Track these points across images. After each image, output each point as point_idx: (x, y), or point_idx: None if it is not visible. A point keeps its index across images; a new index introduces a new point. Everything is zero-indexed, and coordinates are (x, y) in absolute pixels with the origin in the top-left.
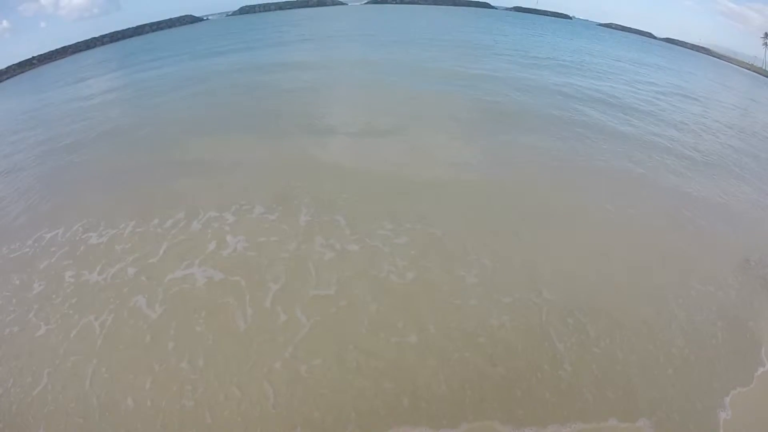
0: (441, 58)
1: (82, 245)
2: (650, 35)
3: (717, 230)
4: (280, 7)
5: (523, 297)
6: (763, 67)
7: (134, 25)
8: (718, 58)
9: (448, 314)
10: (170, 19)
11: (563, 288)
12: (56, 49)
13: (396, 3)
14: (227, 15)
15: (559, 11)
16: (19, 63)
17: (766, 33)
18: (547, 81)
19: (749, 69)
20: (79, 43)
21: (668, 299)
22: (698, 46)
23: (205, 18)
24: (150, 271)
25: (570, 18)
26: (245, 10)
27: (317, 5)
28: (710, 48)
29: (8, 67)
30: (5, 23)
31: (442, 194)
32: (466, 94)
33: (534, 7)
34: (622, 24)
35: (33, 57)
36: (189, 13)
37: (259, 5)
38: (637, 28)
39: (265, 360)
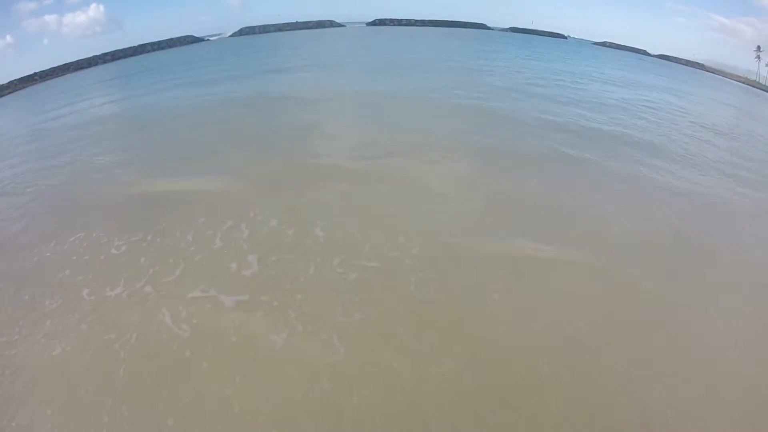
0: (442, 88)
1: (102, 255)
2: (645, 52)
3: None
4: (279, 28)
5: (557, 330)
6: (757, 80)
7: (136, 44)
8: (713, 72)
9: (483, 352)
10: (171, 39)
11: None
12: (58, 66)
13: (394, 25)
14: (227, 36)
15: (555, 31)
16: (21, 78)
17: (758, 46)
18: (547, 114)
19: (744, 82)
20: (81, 60)
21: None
22: (692, 61)
23: (205, 39)
24: (170, 289)
25: (565, 37)
26: (245, 32)
27: (316, 27)
28: (704, 63)
29: (10, 83)
30: (8, 38)
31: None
32: (468, 132)
33: (530, 28)
34: (617, 42)
35: (35, 73)
36: (190, 34)
37: (259, 26)
38: (632, 45)
39: (302, 400)
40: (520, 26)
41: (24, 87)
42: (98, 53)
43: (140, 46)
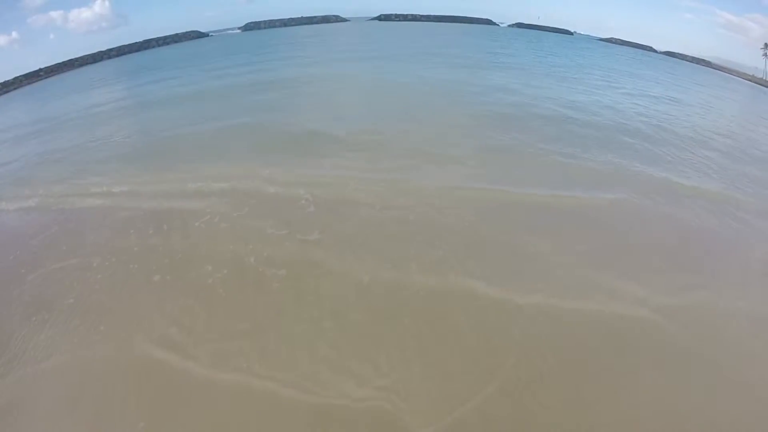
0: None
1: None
2: (651, 49)
3: None
4: (284, 23)
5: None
6: (764, 78)
7: (141, 39)
8: (719, 70)
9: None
10: (176, 34)
11: None
12: (64, 62)
13: (399, 20)
14: (234, 30)
15: (561, 27)
16: (26, 74)
17: (766, 44)
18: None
19: (751, 80)
20: (86, 56)
21: None
22: (698, 58)
23: (209, 34)
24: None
25: (572, 33)
26: (250, 27)
27: (321, 22)
28: (711, 60)
29: (15, 78)
30: (14, 34)
31: None
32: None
33: (536, 23)
34: (623, 38)
35: (40, 69)
36: (195, 29)
37: (265, 21)
38: (638, 42)
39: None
40: (526, 22)
41: (29, 83)
42: (104, 48)
43: (145, 41)
